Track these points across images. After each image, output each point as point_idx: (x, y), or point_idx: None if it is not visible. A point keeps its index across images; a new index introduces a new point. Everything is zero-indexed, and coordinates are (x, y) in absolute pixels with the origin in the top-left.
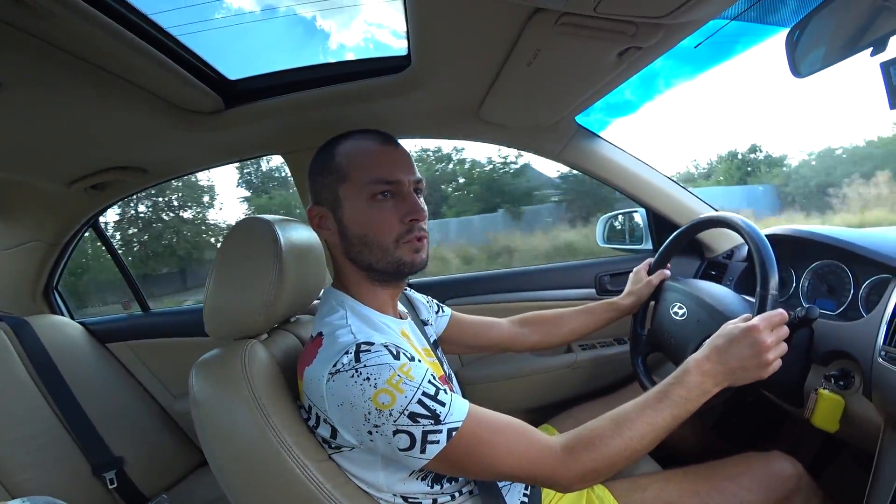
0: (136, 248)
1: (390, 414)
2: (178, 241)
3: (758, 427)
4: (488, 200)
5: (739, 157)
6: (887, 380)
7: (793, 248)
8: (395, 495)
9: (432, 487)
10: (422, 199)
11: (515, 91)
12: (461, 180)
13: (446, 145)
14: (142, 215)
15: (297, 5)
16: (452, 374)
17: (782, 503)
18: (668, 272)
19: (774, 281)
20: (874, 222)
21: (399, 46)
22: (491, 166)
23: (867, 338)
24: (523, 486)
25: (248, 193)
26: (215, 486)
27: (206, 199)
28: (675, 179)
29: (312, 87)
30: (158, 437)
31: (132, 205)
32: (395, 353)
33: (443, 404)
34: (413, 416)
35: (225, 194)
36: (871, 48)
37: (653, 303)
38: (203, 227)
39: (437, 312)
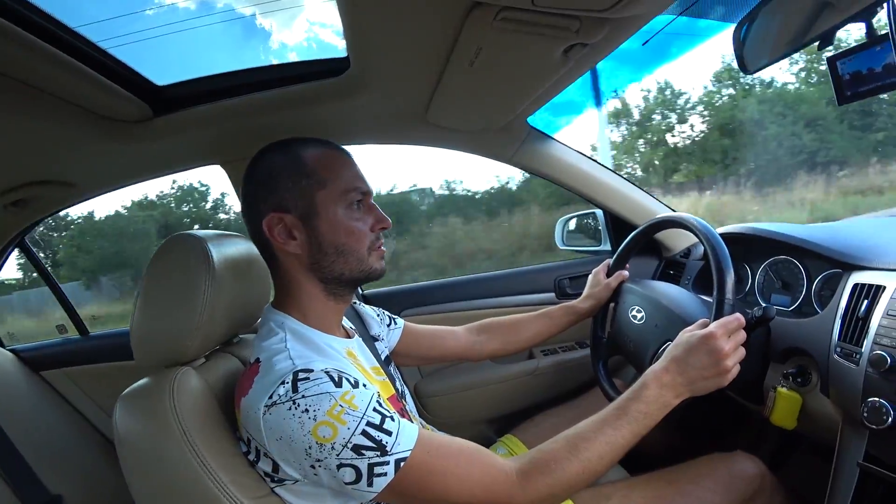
0: None
1: (332, 447)
2: None
3: (721, 425)
4: None
5: None
6: (843, 376)
7: (748, 246)
8: None
9: None
10: None
11: (461, 92)
12: None
13: None
14: None
15: (235, 2)
16: (406, 391)
17: None
18: (626, 273)
19: (730, 283)
20: None
21: (343, 46)
22: None
23: (822, 335)
24: None
25: None
26: None
27: None
28: (630, 180)
29: (248, 92)
30: (101, 471)
31: None
32: (336, 379)
33: (389, 433)
34: (357, 449)
35: None
36: (819, 42)
37: (612, 305)
38: None
39: (388, 326)
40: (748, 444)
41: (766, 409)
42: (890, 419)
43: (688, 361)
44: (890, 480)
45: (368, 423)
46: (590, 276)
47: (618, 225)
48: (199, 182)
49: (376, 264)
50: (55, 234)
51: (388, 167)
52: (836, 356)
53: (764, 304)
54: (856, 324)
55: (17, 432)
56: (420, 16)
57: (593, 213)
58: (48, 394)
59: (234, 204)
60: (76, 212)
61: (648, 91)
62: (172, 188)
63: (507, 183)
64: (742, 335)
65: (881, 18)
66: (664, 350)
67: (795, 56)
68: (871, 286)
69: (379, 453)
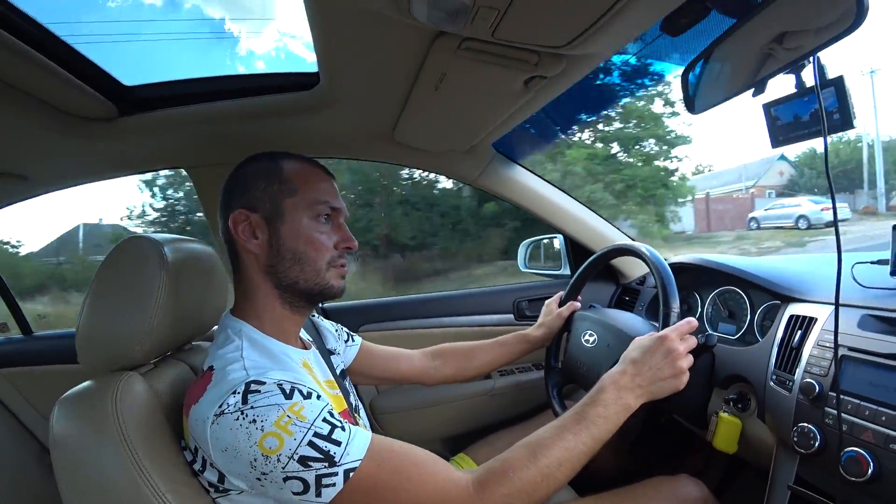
0: None
1: (278, 459)
2: None
3: (668, 449)
4: None
5: None
6: (777, 402)
7: (697, 276)
8: None
9: None
10: None
11: (427, 115)
12: None
13: None
14: None
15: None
16: (361, 406)
17: None
18: (577, 304)
19: (676, 301)
20: None
21: (312, 60)
22: None
23: (760, 362)
24: None
25: None
26: None
27: None
28: (590, 207)
29: (218, 100)
30: (37, 481)
31: None
32: (287, 391)
33: (338, 444)
34: (304, 461)
35: None
36: (753, 89)
37: (566, 334)
38: None
39: (346, 342)
40: (694, 469)
41: (709, 434)
42: (817, 444)
43: (644, 362)
44: (816, 503)
45: (316, 434)
46: (543, 307)
47: (577, 250)
48: None
49: (334, 281)
50: None
51: None
52: (771, 383)
53: (707, 332)
54: (790, 353)
55: None
56: (388, 40)
57: (555, 237)
58: None
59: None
60: None
61: None
62: None
63: None
64: (692, 340)
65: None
66: None
67: None
68: (804, 318)
69: (327, 464)
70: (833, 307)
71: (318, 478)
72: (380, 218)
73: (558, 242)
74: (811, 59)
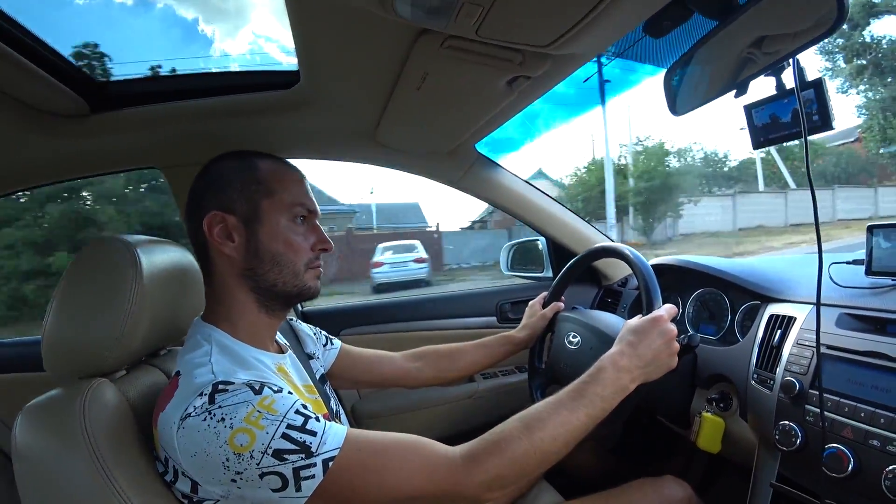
0: None
1: (251, 456)
2: None
3: (652, 450)
4: None
5: None
6: (759, 401)
7: (678, 277)
8: None
9: None
10: None
11: (409, 116)
12: None
13: None
14: None
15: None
16: (342, 412)
17: None
18: (561, 305)
19: (659, 301)
20: None
21: (289, 62)
22: None
23: (742, 362)
24: None
25: None
26: None
27: None
28: (572, 210)
29: (193, 97)
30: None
31: None
32: (257, 388)
33: (313, 434)
34: (278, 454)
35: None
36: (735, 91)
37: (549, 335)
38: None
39: (325, 346)
40: (678, 469)
41: (692, 434)
42: (798, 441)
43: (642, 343)
44: (798, 500)
45: (289, 426)
46: (527, 308)
47: (559, 252)
48: None
49: (311, 282)
50: None
51: None
52: (753, 382)
53: (690, 332)
54: (770, 352)
55: None
56: (370, 38)
57: (537, 240)
58: None
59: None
60: None
61: None
62: None
63: None
64: (674, 326)
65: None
66: None
67: None
68: (784, 317)
69: (303, 455)
70: (812, 306)
71: (296, 470)
72: None
73: (540, 245)
74: (791, 61)
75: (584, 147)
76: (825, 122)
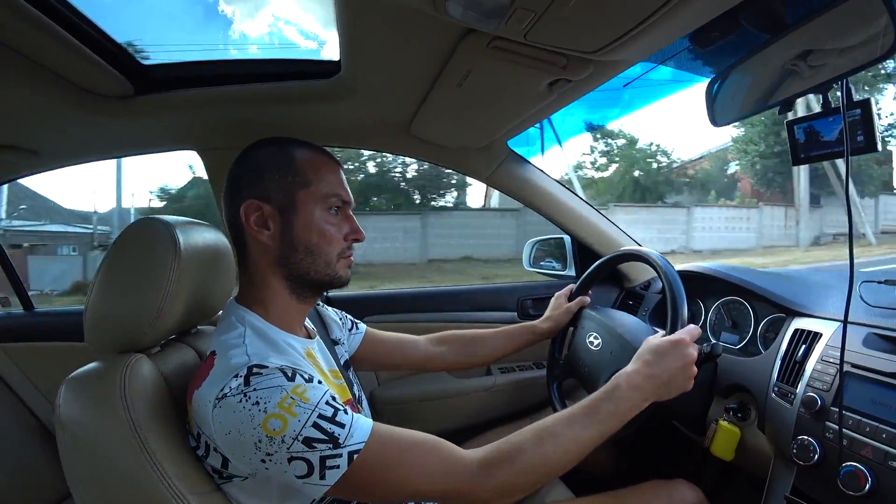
0: None
1: (282, 440)
2: None
3: (664, 453)
4: None
5: None
6: (778, 414)
7: (702, 284)
8: None
9: None
10: None
11: (446, 110)
12: None
13: None
14: None
15: None
16: (363, 398)
17: None
18: (587, 300)
19: (685, 309)
20: None
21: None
22: None
23: (763, 373)
24: None
25: None
26: None
27: None
28: (600, 211)
29: (234, 83)
30: (31, 456)
31: None
32: (289, 374)
33: (342, 426)
34: (308, 442)
35: None
36: (780, 107)
37: (571, 329)
38: None
39: (350, 330)
40: (689, 473)
41: (706, 440)
42: (816, 456)
43: (660, 364)
44: None
45: (320, 416)
46: (552, 299)
47: (584, 252)
48: None
49: (342, 272)
50: None
51: None
52: (773, 395)
53: (713, 341)
54: (793, 366)
55: None
56: (416, 34)
57: (562, 238)
58: None
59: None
60: None
61: None
62: None
63: None
64: (696, 347)
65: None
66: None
67: None
68: (809, 332)
69: (331, 445)
70: (839, 324)
71: (323, 459)
72: None
73: (565, 243)
74: (841, 81)
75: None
76: (870, 144)
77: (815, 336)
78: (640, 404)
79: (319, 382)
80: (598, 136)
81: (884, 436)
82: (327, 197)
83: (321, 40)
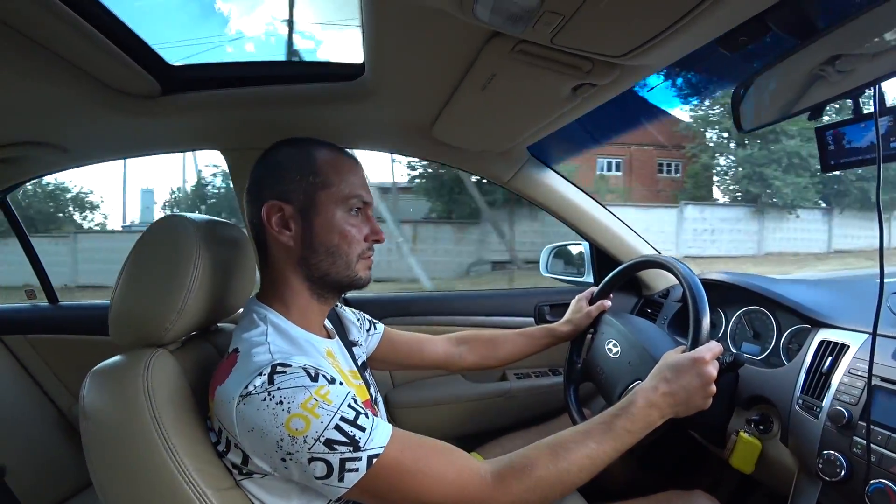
0: None
1: (304, 441)
2: None
3: (681, 463)
4: None
5: None
6: (803, 427)
7: (723, 293)
8: None
9: None
10: None
11: (469, 113)
12: None
13: None
14: None
15: None
16: (380, 398)
17: None
18: (608, 304)
19: (707, 318)
20: None
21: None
22: None
23: (787, 385)
24: None
25: None
26: None
27: None
28: (619, 217)
29: (259, 84)
30: (52, 444)
31: None
32: (313, 374)
33: (363, 429)
34: (330, 443)
35: None
36: (810, 112)
37: (590, 333)
38: None
39: (368, 330)
40: (707, 485)
41: (726, 452)
42: (843, 472)
43: (678, 382)
44: None
45: (342, 419)
46: (572, 302)
47: (602, 259)
48: None
49: (362, 273)
50: None
51: None
52: (797, 408)
53: (734, 351)
54: (818, 378)
55: None
56: (441, 37)
57: (580, 244)
58: (6, 359)
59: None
60: None
61: None
62: None
63: None
64: (717, 364)
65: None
66: (633, 388)
67: None
68: (835, 344)
69: (351, 448)
70: (867, 335)
71: (343, 462)
72: None
73: (582, 249)
74: (873, 87)
75: None
76: None
77: (842, 348)
78: (656, 421)
79: (341, 384)
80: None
81: None
82: (348, 198)
83: (318, 40)
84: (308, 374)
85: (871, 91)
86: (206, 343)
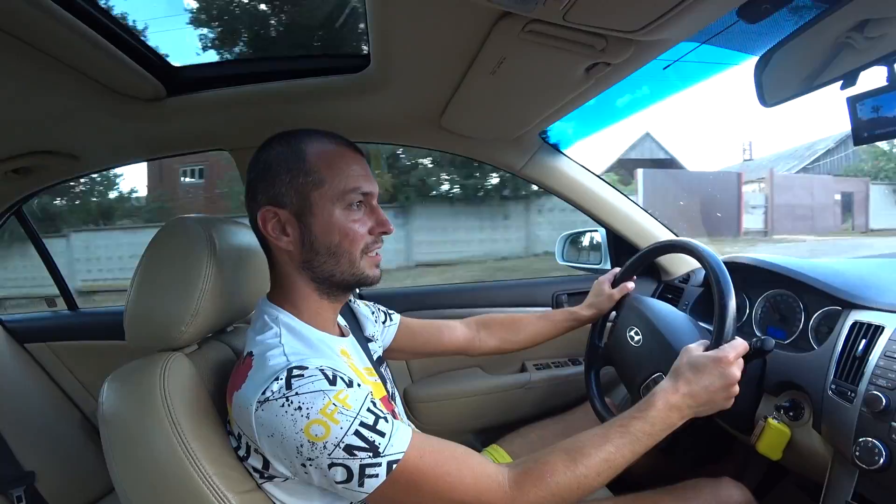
0: None
1: (324, 447)
2: None
3: (706, 451)
4: None
5: None
6: (836, 413)
7: (748, 276)
8: None
9: None
10: None
11: (479, 100)
12: None
13: None
14: None
15: None
16: (397, 393)
17: None
18: (631, 286)
19: (732, 310)
20: None
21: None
22: None
23: (818, 371)
24: None
25: None
26: None
27: None
28: (635, 202)
29: (264, 81)
30: (78, 450)
31: None
32: (331, 377)
33: (382, 434)
34: (349, 449)
35: None
36: (842, 82)
37: (613, 316)
38: None
39: (384, 322)
40: (733, 472)
41: (753, 437)
42: (882, 460)
43: (699, 383)
44: None
45: (362, 424)
46: (594, 284)
47: (619, 245)
48: None
49: (369, 270)
50: None
51: None
52: (830, 393)
53: (762, 336)
54: (852, 362)
55: None
56: (448, 21)
57: (596, 231)
58: (30, 367)
59: None
60: None
61: None
62: None
63: None
64: (741, 361)
65: None
66: (654, 380)
67: None
68: (870, 325)
69: (371, 454)
70: None
71: (363, 467)
72: None
73: (599, 236)
74: None
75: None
76: None
77: (878, 329)
78: (676, 423)
79: (359, 385)
80: None
81: None
82: (345, 193)
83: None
84: (326, 376)
85: None
86: (223, 345)
